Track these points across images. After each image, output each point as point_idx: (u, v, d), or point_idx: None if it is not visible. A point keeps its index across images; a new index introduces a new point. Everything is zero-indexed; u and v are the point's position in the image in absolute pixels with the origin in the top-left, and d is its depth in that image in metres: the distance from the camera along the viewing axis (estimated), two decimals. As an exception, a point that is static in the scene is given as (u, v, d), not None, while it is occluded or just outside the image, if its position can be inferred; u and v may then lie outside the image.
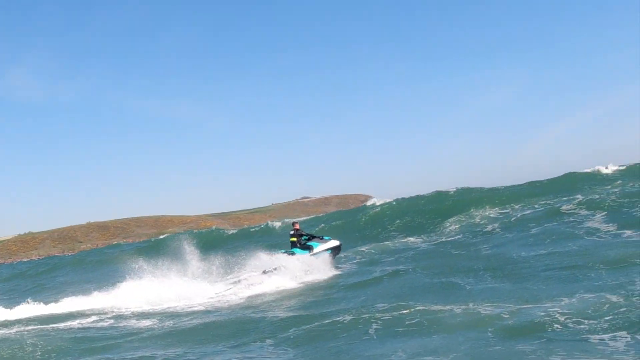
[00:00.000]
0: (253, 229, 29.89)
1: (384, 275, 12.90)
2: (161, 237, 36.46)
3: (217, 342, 8.36)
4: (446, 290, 10.47)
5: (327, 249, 17.40)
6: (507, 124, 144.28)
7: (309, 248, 16.99)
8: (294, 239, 17.10)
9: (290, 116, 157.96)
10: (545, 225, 16.63)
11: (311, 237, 17.67)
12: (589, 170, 26.61)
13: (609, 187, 22.34)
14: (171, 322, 10.62)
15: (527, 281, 10.44)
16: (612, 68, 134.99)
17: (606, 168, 26.55)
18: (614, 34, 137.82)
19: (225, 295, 13.55)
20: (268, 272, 15.55)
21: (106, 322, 11.86)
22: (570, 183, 24.45)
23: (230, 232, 30.72)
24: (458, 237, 18.24)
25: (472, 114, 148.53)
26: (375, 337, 7.39)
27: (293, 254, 16.62)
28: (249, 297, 13.05)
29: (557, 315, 7.29)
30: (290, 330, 8.30)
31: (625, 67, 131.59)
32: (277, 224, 28.19)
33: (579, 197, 18.60)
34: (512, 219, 18.76)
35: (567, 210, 17.35)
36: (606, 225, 14.95)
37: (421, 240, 18.97)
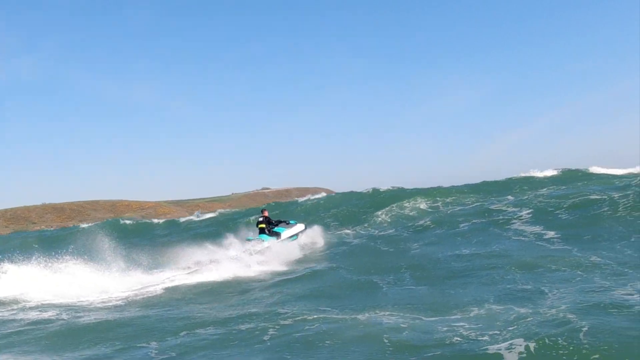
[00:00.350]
0: (183, 220, 28.81)
1: (306, 273, 12.11)
2: (92, 224, 34.63)
3: (102, 343, 7.30)
4: (362, 292, 9.78)
5: (293, 235, 17.00)
6: (462, 128, 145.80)
7: (276, 235, 16.49)
8: (262, 226, 16.50)
9: (255, 106, 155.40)
10: (474, 221, 16.28)
11: (278, 223, 17.11)
12: (524, 175, 26.68)
13: (544, 189, 22.35)
14: (70, 316, 9.45)
15: (444, 284, 9.87)
16: (568, 78, 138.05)
17: (541, 172, 26.70)
18: (570, 46, 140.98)
19: (146, 288, 12.51)
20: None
21: (6, 313, 10.65)
22: (505, 185, 24.37)
23: (156, 221, 29.51)
24: (390, 231, 17.69)
25: (431, 115, 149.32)
26: (267, 345, 6.53)
27: (261, 240, 15.99)
28: (167, 289, 12.04)
29: (462, 330, 6.63)
30: (181, 334, 7.35)
31: (581, 77, 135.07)
32: (209, 215, 27.24)
33: (510, 198, 18.38)
34: (444, 215, 18.32)
35: (496, 209, 17.01)
36: (531, 226, 14.64)
37: (354, 233, 18.36)
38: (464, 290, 9.21)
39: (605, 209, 14.94)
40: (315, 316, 7.63)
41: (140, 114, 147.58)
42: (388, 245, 15.18)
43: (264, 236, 16.21)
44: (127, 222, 28.50)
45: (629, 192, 15.80)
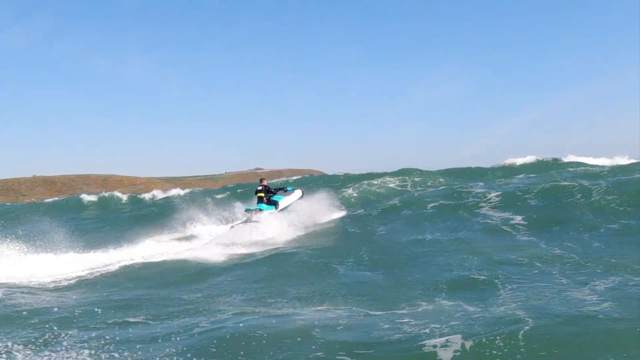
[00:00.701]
0: (141, 196, 28.07)
1: (266, 257, 11.43)
2: (53, 199, 33.72)
3: (18, 331, 6.58)
4: (316, 279, 9.11)
5: (289, 204, 16.69)
6: (451, 119, 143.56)
7: (274, 203, 16.14)
8: (262, 195, 16.12)
9: (250, 87, 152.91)
10: (442, 202, 15.78)
11: (277, 191, 16.80)
12: (501, 164, 26.09)
13: (519, 176, 21.93)
14: (5, 298, 8.80)
15: (401, 271, 9.23)
16: (555, 73, 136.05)
17: (515, 159, 26.13)
18: (558, 42, 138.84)
19: (104, 268, 11.83)
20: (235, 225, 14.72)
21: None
22: (477, 172, 23.82)
23: (117, 195, 28.84)
24: (360, 211, 17.11)
25: (421, 105, 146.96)
26: (194, 340, 5.75)
27: (261, 210, 15.59)
28: (122, 269, 11.34)
29: (405, 327, 6.00)
30: (109, 322, 6.67)
31: (572, 71, 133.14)
32: (173, 192, 26.52)
33: (481, 183, 17.88)
34: (413, 197, 17.80)
35: (466, 193, 16.33)
36: (499, 212, 14.01)
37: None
38: (419, 278, 8.64)
39: (578, 196, 14.34)
40: (255, 309, 6.98)
41: (133, 90, 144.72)
42: (355, 226, 14.60)
43: (262, 205, 15.87)
44: (90, 198, 27.64)
45: (601, 182, 15.29)
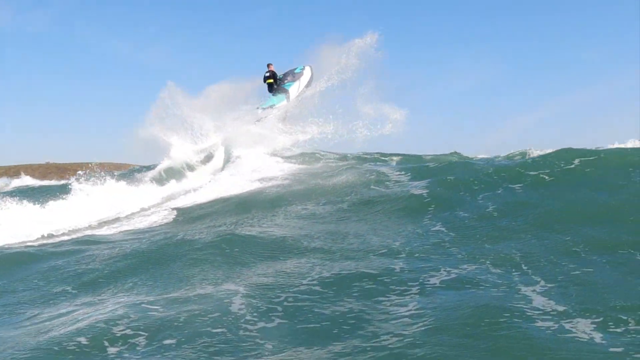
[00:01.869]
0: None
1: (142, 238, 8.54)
2: None
3: None
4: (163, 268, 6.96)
5: (301, 90, 14.60)
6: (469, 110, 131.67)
7: (285, 92, 14.01)
8: (271, 81, 14.04)
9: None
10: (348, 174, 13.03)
11: (285, 77, 14.61)
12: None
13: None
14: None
15: (239, 258, 6.65)
16: (584, 65, 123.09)
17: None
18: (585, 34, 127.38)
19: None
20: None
21: None
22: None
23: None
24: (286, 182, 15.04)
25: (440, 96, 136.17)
26: None
27: (272, 105, 13.77)
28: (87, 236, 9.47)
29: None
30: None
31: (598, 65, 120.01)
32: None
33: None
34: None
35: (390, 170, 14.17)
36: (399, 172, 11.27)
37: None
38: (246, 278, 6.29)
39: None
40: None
41: (152, 77, 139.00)
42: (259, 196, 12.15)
43: (273, 100, 13.83)
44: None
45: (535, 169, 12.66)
